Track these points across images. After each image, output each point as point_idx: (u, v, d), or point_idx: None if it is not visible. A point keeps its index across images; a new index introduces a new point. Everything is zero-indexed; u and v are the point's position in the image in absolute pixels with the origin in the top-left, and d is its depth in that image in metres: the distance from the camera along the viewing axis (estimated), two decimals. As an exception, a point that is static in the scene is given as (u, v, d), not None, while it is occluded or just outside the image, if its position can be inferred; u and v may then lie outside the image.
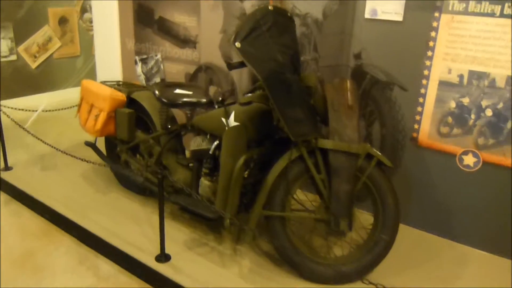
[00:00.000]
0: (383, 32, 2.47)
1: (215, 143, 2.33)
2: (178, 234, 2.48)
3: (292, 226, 2.25)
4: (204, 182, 2.37)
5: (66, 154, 3.04)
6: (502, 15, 2.13)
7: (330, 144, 2.02)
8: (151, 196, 2.88)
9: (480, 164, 2.37)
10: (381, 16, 2.44)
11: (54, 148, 3.07)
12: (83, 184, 3.05)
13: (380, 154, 2.07)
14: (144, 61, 3.74)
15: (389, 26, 2.44)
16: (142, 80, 3.78)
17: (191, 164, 2.56)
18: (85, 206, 2.74)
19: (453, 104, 2.37)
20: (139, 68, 3.78)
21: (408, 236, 2.55)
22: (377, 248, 2.13)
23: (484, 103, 2.28)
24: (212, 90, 3.37)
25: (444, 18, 2.27)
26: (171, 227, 2.54)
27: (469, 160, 2.40)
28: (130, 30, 3.74)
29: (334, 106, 2.08)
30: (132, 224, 2.57)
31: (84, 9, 5.58)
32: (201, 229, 2.56)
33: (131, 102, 2.76)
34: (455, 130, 2.40)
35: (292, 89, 2.00)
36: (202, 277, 2.13)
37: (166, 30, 3.49)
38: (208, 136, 2.41)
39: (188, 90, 2.61)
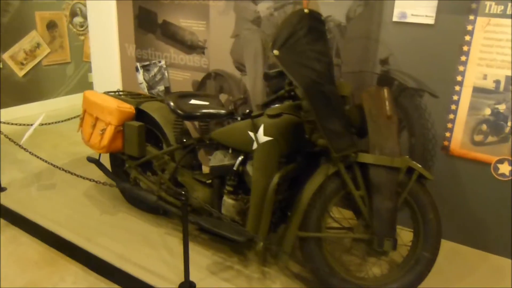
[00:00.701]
0: (412, 36, 2.33)
1: (240, 158, 2.15)
2: (199, 258, 2.29)
3: (328, 246, 2.09)
4: (228, 201, 2.20)
5: (66, 171, 2.81)
6: (543, 17, 2.02)
7: (371, 159, 1.87)
8: (164, 215, 2.68)
9: (517, 173, 2.26)
10: (410, 19, 2.31)
11: (52, 164, 2.84)
12: (87, 204, 2.83)
13: (420, 166, 1.93)
14: (146, 68, 3.53)
15: (419, 29, 2.31)
16: (143, 88, 3.57)
17: (209, 181, 2.38)
18: (91, 229, 2.52)
19: (488, 111, 2.25)
20: (140, 76, 3.57)
21: (441, 249, 2.42)
22: (418, 266, 1.99)
23: (522, 110, 2.18)
24: (222, 98, 3.19)
25: (480, 21, 2.15)
26: (190, 249, 2.35)
27: (505, 168, 2.29)
28: (130, 35, 3.52)
29: (373, 116, 1.93)
30: (146, 248, 2.36)
31: (74, 13, 5.31)
32: (223, 251, 2.37)
33: (140, 114, 2.56)
34: (490, 138, 2.29)
35: (331, 100, 1.84)
36: (233, 306, 1.96)
37: (171, 35, 3.30)
38: (230, 151, 2.23)
39: (204, 101, 2.43)
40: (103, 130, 2.48)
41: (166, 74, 3.44)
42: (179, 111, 2.27)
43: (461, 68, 2.26)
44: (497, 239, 2.39)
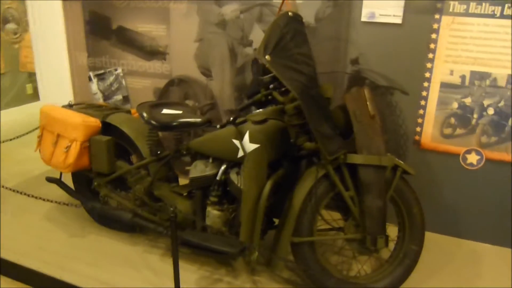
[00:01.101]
0: (381, 36, 2.39)
1: (222, 167, 2.08)
2: (186, 274, 2.17)
3: (319, 248, 2.08)
4: (213, 212, 2.11)
5: (22, 194, 2.56)
6: (502, 16, 2.16)
7: (360, 159, 1.88)
8: (139, 232, 2.53)
9: (483, 161, 2.40)
10: (379, 19, 2.37)
11: (4, 187, 2.57)
12: (50, 228, 2.58)
13: (403, 163, 1.98)
14: (100, 77, 3.31)
15: (388, 29, 2.37)
16: (98, 98, 3.35)
17: (184, 193, 2.28)
18: (62, 255, 2.30)
19: (455, 105, 2.37)
20: (94, 86, 3.35)
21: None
22: (407, 260, 2.05)
23: (486, 102, 2.31)
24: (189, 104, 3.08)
25: (445, 20, 2.25)
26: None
27: (473, 158, 2.42)
28: (80, 43, 3.29)
29: (357, 117, 1.94)
30: (128, 269, 2.21)
31: (5, 19, 4.87)
32: (208, 263, 2.28)
33: (106, 128, 2.39)
34: (458, 131, 2.41)
35: (319, 103, 1.83)
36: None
37: (128, 41, 3.12)
38: (210, 160, 2.15)
39: (177, 109, 2.32)
40: (68, 148, 2.28)
41: (123, 82, 3.26)
42: (154, 122, 2.14)
43: (428, 65, 2.36)
44: (470, 225, 2.53)
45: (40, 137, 2.44)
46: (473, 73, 2.28)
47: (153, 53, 3.06)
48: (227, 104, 2.92)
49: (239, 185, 2.00)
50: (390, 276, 2.04)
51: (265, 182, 1.90)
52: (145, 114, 2.17)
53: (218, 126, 2.17)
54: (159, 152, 2.29)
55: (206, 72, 2.93)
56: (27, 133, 2.81)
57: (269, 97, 2.15)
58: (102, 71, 3.30)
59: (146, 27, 3.03)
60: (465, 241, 2.56)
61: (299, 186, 1.95)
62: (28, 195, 2.39)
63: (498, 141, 2.34)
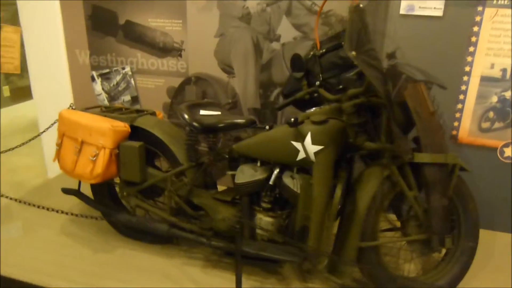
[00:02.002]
0: (420, 29, 2.32)
1: (275, 171, 1.94)
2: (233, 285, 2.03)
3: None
4: (265, 219, 1.98)
5: (37, 206, 2.33)
6: (546, 7, 2.14)
7: (427, 158, 1.80)
8: (172, 243, 2.35)
9: (522, 155, 2.40)
10: (418, 12, 2.30)
11: (16, 200, 2.32)
12: (71, 244, 2.35)
13: (461, 160, 1.92)
14: (105, 77, 3.06)
15: (427, 22, 2.30)
16: (103, 100, 3.11)
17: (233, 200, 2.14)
18: (92, 274, 2.09)
19: (495, 99, 2.35)
20: (98, 86, 3.10)
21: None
22: (464, 257, 2.00)
23: (526, 95, 2.30)
24: (206, 104, 2.90)
25: (488, 12, 2.21)
26: (218, 277, 2.09)
27: (510, 152, 2.41)
28: (81, 40, 3.02)
29: (419, 114, 1.87)
30: (168, 285, 2.03)
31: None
32: (254, 273, 2.14)
33: (133, 132, 2.19)
34: (496, 124, 2.39)
35: (391, 100, 1.73)
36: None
37: (137, 37, 2.89)
38: (258, 164, 2.00)
39: (214, 110, 2.15)
40: (96, 156, 2.07)
41: (132, 82, 3.03)
42: (197, 125, 1.97)
43: (469, 58, 2.31)
44: (507, 218, 2.53)
45: (60, 144, 2.20)
46: (514, 66, 2.26)
47: (167, 49, 2.86)
48: (251, 102, 2.77)
49: (295, 189, 1.87)
50: (449, 274, 1.99)
51: (331, 186, 1.79)
52: (187, 116, 1.99)
53: (267, 127, 2.03)
54: (199, 157, 2.12)
55: (227, 69, 2.76)
56: (29, 141, 2.56)
57: (315, 94, 2.05)
58: (107, 70, 3.05)
59: (158, 22, 2.81)
60: (501, 233, 2.56)
61: (363, 188, 1.85)
62: (44, 208, 2.18)
63: (536, 134, 2.35)
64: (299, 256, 1.87)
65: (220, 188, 2.25)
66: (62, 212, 2.27)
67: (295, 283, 2.08)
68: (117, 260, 2.21)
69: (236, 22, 2.64)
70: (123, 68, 3.01)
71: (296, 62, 2.08)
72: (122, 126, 2.11)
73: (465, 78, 2.35)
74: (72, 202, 2.74)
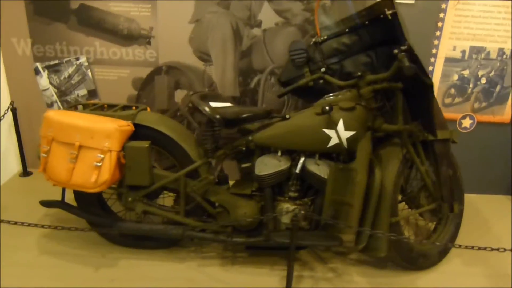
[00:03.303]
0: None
1: (302, 159, 1.94)
2: (269, 279, 2.01)
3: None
4: (292, 208, 1.97)
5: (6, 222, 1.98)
6: (498, -4, 2.48)
7: (439, 135, 1.99)
8: (174, 246, 2.20)
9: (475, 124, 2.78)
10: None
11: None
12: (62, 263, 2.04)
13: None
14: (53, 69, 2.67)
15: (401, 9, 2.48)
16: (51, 95, 2.71)
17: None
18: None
19: (455, 77, 2.66)
20: (44, 79, 2.68)
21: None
22: (456, 218, 2.26)
23: (480, 73, 2.66)
24: (180, 94, 2.72)
25: (452, 1, 2.48)
26: (240, 273, 2.04)
27: (467, 123, 2.78)
28: (21, 27, 2.57)
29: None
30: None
31: None
32: (280, 263, 2.14)
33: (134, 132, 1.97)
34: (456, 99, 2.72)
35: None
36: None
37: (95, 23, 2.56)
38: (279, 154, 1.98)
39: (224, 101, 2.06)
40: (101, 161, 1.81)
41: (89, 73, 2.68)
42: (219, 117, 1.86)
43: (435, 42, 2.58)
44: (468, 180, 2.91)
45: (48, 152, 1.87)
46: (471, 48, 2.59)
47: (133, 37, 2.59)
48: (229, 90, 2.69)
49: (322, 175, 1.91)
50: (448, 234, 2.23)
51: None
52: (207, 109, 1.86)
53: (287, 116, 1.99)
54: (213, 152, 2.01)
55: (204, 57, 2.63)
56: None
57: (321, 81, 2.09)
58: (56, 61, 2.65)
59: (122, 6, 2.52)
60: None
61: (385, 168, 1.96)
62: (17, 223, 1.86)
63: (487, 106, 2.74)
64: (338, 239, 1.92)
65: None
66: (43, 226, 1.95)
67: (319, 266, 2.13)
68: (126, 273, 2.00)
69: (214, 7, 2.51)
70: (77, 59, 2.64)
71: (297, 49, 2.09)
72: (126, 125, 1.89)
73: (432, 59, 2.61)
74: (38, 213, 2.38)
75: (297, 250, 2.08)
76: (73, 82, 2.70)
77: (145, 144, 1.90)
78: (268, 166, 1.95)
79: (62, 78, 2.69)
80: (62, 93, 2.72)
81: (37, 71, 2.66)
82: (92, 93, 2.72)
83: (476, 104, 2.73)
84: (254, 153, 2.01)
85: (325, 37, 2.12)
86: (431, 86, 1.69)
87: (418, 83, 1.74)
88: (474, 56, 2.61)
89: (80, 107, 2.04)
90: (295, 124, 1.90)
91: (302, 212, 1.92)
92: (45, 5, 2.52)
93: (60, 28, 2.57)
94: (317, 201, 1.99)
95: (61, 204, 2.07)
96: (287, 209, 1.97)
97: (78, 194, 2.10)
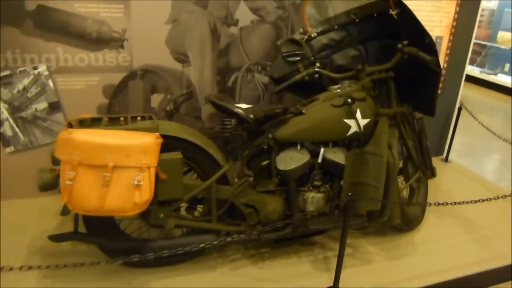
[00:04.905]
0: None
1: (322, 149, 2.09)
2: (303, 265, 2.13)
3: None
4: (318, 196, 2.11)
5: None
6: (427, -7, 2.95)
7: (419, 114, 2.34)
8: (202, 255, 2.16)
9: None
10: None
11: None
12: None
13: None
14: (4, 82, 2.28)
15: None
16: (1, 112, 2.31)
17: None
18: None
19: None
20: (-8, 95, 2.27)
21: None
22: (425, 181, 2.67)
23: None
24: (157, 99, 2.59)
25: None
26: (275, 267, 2.12)
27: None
28: (-42, 34, 2.12)
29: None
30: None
31: None
32: (308, 250, 2.27)
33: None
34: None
35: None
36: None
37: (58, 27, 2.27)
38: (298, 147, 2.10)
39: (238, 103, 2.08)
40: (141, 179, 1.68)
41: (50, 84, 2.35)
42: (253, 117, 1.88)
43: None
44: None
45: (73, 179, 1.64)
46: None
47: (103, 40, 2.35)
48: (208, 90, 2.66)
49: (340, 162, 2.10)
50: (423, 194, 2.60)
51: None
52: (240, 110, 1.87)
53: (303, 111, 2.09)
54: (240, 154, 2.02)
55: (182, 58, 2.54)
56: None
57: (316, 75, 2.27)
58: (7, 72, 2.26)
59: (90, 7, 2.27)
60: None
61: (391, 146, 2.22)
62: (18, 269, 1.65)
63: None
64: (364, 216, 2.13)
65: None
66: (48, 267, 1.70)
67: (335, 245, 2.33)
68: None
69: (191, 6, 2.44)
70: (35, 68, 2.30)
71: (290, 46, 2.22)
72: (157, 138, 1.78)
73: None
74: (22, 251, 2.06)
75: (312, 235, 2.23)
76: (29, 95, 2.34)
77: (177, 155, 1.82)
78: (293, 160, 2.05)
79: (15, 91, 2.31)
80: (15, 109, 2.34)
81: (-18, 86, 2.23)
82: (54, 106, 2.40)
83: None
84: (272, 150, 2.08)
85: (315, 34, 2.28)
86: (440, 73, 2.00)
87: (423, 71, 2.03)
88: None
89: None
90: (316, 118, 2.03)
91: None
92: (-9, 6, 2.12)
93: (11, 33, 2.20)
94: (335, 186, 2.18)
95: (75, 235, 1.85)
96: (313, 198, 2.11)
97: (90, 221, 1.90)
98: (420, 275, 2.14)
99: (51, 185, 1.77)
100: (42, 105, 2.37)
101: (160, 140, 1.77)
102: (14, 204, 2.45)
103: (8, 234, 2.19)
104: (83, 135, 1.65)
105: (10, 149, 2.38)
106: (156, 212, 1.90)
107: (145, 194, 1.70)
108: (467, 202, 2.11)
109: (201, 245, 1.79)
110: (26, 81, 2.31)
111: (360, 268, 2.17)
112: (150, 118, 1.94)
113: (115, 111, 2.50)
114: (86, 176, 1.66)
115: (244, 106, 2.00)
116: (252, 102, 2.78)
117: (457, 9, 3.09)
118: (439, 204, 2.09)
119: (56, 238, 1.83)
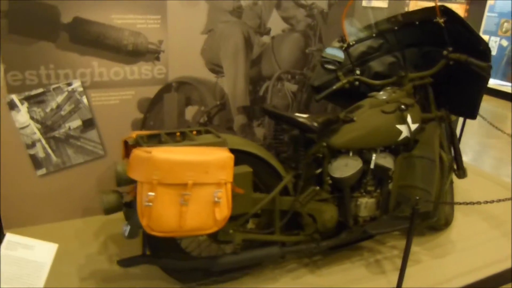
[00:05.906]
0: (374, 17, 2.85)
1: (374, 155, 2.13)
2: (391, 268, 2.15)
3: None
4: (370, 201, 2.14)
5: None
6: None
7: (454, 117, 2.44)
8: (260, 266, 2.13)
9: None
10: (374, 4, 2.81)
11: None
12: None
13: None
14: (36, 100, 2.15)
15: (377, 11, 2.86)
16: (32, 133, 2.19)
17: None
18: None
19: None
20: (23, 115, 2.14)
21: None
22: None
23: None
24: (191, 111, 2.52)
25: (412, 3, 2.97)
26: (333, 274, 2.13)
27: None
28: (-11, 50, 1.97)
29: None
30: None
31: None
32: (358, 255, 2.29)
33: None
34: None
35: None
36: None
37: (93, 39, 2.16)
38: (351, 154, 2.13)
39: (296, 112, 2.09)
40: (221, 196, 1.64)
41: (84, 100, 2.23)
42: (317, 125, 1.89)
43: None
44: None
45: (153, 200, 1.57)
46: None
47: (139, 53, 2.27)
48: (240, 100, 2.62)
49: (390, 166, 2.14)
50: (453, 194, 2.72)
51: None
52: (304, 120, 1.87)
53: (355, 119, 2.11)
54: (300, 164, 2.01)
55: (216, 68, 2.49)
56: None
57: (356, 82, 2.31)
58: (40, 90, 2.12)
59: (127, 19, 2.18)
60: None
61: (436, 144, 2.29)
62: None
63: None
64: (418, 220, 2.18)
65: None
66: None
67: (382, 248, 2.37)
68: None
69: (227, 16, 2.41)
70: (69, 84, 2.17)
71: (329, 54, 2.25)
72: (229, 152, 1.74)
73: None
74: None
75: (361, 241, 2.26)
76: (63, 113, 2.20)
77: (247, 169, 1.79)
78: (349, 167, 2.07)
79: (48, 110, 2.17)
80: (48, 128, 2.19)
81: (12, 106, 2.08)
82: (88, 123, 2.28)
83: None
84: (324, 158, 2.09)
85: (354, 42, 2.32)
86: (488, 79, 2.09)
87: (468, 76, 2.12)
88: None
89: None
90: (370, 125, 2.06)
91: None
92: (25, 20, 1.98)
93: (46, 48, 2.07)
94: (383, 190, 2.22)
95: (145, 258, 1.77)
96: (366, 203, 2.14)
97: (155, 242, 1.82)
98: (467, 271, 2.22)
99: (116, 208, 1.70)
100: (75, 123, 2.25)
101: (233, 155, 1.73)
102: (49, 228, 2.30)
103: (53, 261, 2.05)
104: (162, 153, 1.58)
105: (42, 171, 2.23)
106: (225, 227, 1.86)
107: (224, 210, 1.66)
108: (496, 201, 2.18)
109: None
110: (59, 99, 2.17)
111: (412, 269, 2.21)
112: (207, 132, 1.90)
113: (149, 125, 2.41)
114: (166, 196, 1.59)
115: (301, 115, 2.00)
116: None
117: (466, 14, 3.25)
118: (473, 203, 2.15)
119: (126, 263, 1.74)
